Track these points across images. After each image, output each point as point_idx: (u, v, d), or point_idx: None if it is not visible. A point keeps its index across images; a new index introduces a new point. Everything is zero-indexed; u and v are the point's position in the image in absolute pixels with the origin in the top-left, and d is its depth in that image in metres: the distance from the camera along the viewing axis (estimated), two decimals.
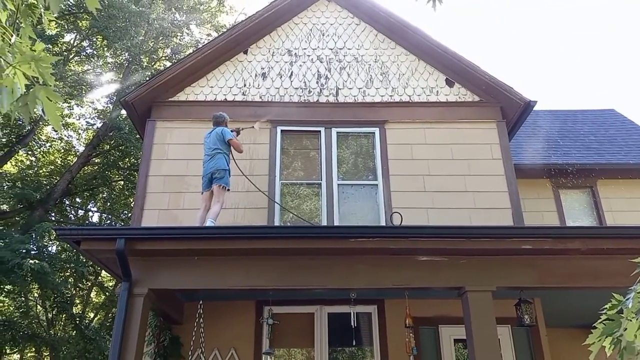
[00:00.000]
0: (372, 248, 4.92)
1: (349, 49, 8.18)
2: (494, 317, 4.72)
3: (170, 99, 7.74)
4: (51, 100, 2.14)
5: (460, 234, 5.00)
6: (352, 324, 6.20)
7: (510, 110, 7.66)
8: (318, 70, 8.01)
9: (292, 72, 7.99)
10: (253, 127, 7.13)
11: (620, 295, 2.25)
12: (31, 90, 2.09)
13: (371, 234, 5.01)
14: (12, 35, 2.14)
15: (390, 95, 7.84)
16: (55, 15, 2.27)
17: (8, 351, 16.06)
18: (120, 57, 17.10)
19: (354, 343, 6.45)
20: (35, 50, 2.08)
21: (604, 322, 2.24)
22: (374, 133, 7.63)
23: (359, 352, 6.72)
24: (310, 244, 4.97)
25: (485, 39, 46.30)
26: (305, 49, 8.18)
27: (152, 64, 17.90)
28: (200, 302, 6.30)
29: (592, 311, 2.56)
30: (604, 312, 2.27)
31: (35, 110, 2.12)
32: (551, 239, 4.94)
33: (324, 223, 6.98)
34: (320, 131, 7.64)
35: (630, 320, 2.11)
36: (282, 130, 7.61)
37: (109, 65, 16.87)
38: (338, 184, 7.30)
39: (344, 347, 6.64)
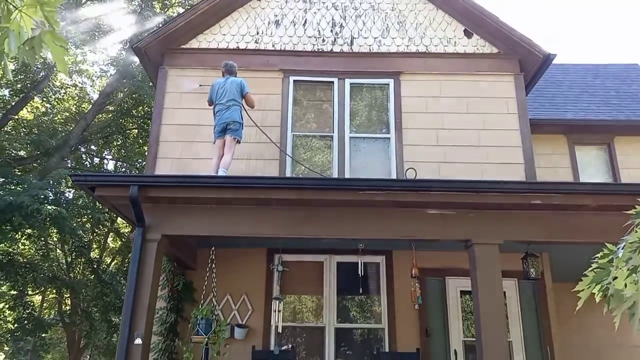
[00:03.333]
0: (382, 200, 4.96)
1: None
2: (499, 270, 4.79)
3: (182, 46, 7.64)
4: (57, 45, 2.13)
5: (468, 188, 5.01)
6: (360, 273, 6.34)
7: (528, 64, 7.45)
8: (333, 18, 7.82)
9: (306, 20, 7.81)
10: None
11: (614, 246, 2.29)
12: (37, 33, 2.08)
13: (381, 187, 5.05)
14: None
15: (407, 45, 7.66)
16: None
17: (30, 292, 16.73)
18: (133, 3, 16.81)
19: (361, 291, 6.62)
20: None
21: (594, 270, 2.29)
22: (389, 85, 7.51)
23: (367, 300, 6.90)
24: (321, 195, 5.02)
25: None
26: None
27: (165, 10, 17.59)
28: (213, 248, 6.46)
29: None
30: (595, 260, 2.31)
31: (42, 54, 2.12)
32: (561, 194, 4.93)
33: (335, 175, 7.01)
34: (333, 82, 7.53)
35: (621, 269, 2.15)
36: (294, 81, 7.51)
37: (122, 10, 16.61)
38: (350, 137, 7.26)
39: (353, 295, 6.81)
